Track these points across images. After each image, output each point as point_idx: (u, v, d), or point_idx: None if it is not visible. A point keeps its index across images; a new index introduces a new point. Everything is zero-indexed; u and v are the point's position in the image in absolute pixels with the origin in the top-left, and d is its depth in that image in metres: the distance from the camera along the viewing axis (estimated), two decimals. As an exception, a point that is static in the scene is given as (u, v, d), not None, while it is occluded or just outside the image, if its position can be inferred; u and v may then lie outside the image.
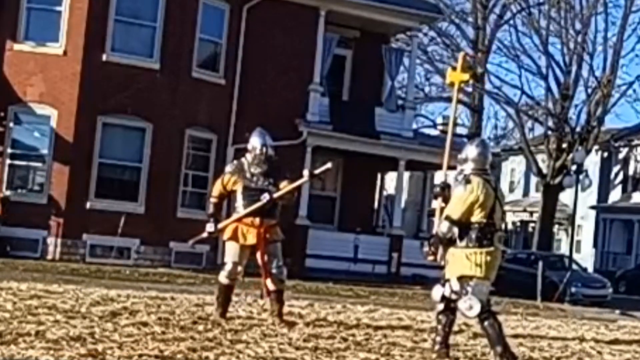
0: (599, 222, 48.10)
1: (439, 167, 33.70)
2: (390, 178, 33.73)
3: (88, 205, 21.96)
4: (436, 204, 8.64)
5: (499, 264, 8.07)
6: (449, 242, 8.05)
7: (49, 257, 21.30)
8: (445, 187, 8.44)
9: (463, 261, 7.92)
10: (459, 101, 44.41)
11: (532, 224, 49.50)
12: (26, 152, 22.25)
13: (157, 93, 22.71)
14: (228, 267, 9.89)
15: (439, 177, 8.56)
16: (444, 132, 41.99)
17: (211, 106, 23.81)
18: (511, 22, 41.19)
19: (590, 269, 40.55)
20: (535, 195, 49.26)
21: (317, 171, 10.21)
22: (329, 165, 10.24)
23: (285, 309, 10.26)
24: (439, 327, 8.33)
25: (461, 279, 7.96)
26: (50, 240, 21.62)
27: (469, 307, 7.85)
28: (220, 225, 10.06)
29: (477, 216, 7.92)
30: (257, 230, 9.82)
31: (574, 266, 31.09)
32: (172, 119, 22.83)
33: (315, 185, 26.68)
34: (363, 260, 25.28)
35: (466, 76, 9.37)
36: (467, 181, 8.01)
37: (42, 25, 22.36)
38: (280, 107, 24.45)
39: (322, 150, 25.70)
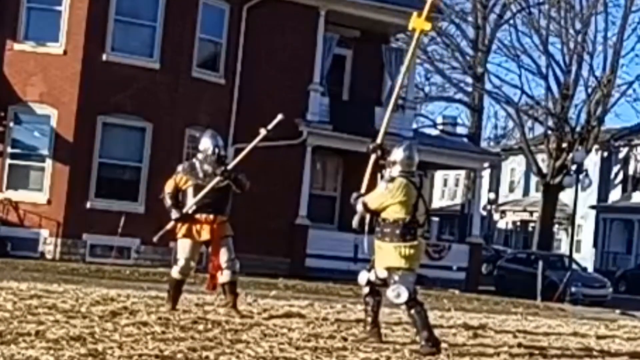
0: (599, 222, 48.12)
1: (439, 166, 33.78)
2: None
3: (88, 205, 21.97)
4: (371, 159, 9.01)
5: (422, 256, 8.81)
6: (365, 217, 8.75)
7: (49, 257, 21.30)
8: (379, 148, 8.94)
9: (390, 254, 8.55)
10: (455, 100, 44.66)
11: (532, 224, 49.54)
12: (26, 152, 22.27)
13: (157, 93, 22.71)
14: (181, 263, 10.38)
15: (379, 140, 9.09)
16: (444, 131, 42.14)
17: (211, 106, 23.80)
18: (511, 21, 41.27)
19: (590, 269, 40.60)
20: (535, 195, 49.29)
21: (270, 126, 10.62)
22: (280, 116, 10.65)
23: (285, 309, 10.28)
24: (368, 308, 9.06)
25: (388, 269, 8.62)
26: (50, 240, 21.63)
27: (397, 294, 8.45)
28: (185, 210, 10.27)
29: (400, 214, 8.54)
30: (210, 226, 10.25)
31: (574, 266, 31.11)
32: (172, 119, 22.84)
33: (315, 185, 26.68)
34: (363, 260, 25.19)
35: (428, 26, 9.76)
36: (391, 180, 8.63)
37: (42, 25, 22.36)
38: (280, 107, 24.11)
39: (322, 150, 25.69)
